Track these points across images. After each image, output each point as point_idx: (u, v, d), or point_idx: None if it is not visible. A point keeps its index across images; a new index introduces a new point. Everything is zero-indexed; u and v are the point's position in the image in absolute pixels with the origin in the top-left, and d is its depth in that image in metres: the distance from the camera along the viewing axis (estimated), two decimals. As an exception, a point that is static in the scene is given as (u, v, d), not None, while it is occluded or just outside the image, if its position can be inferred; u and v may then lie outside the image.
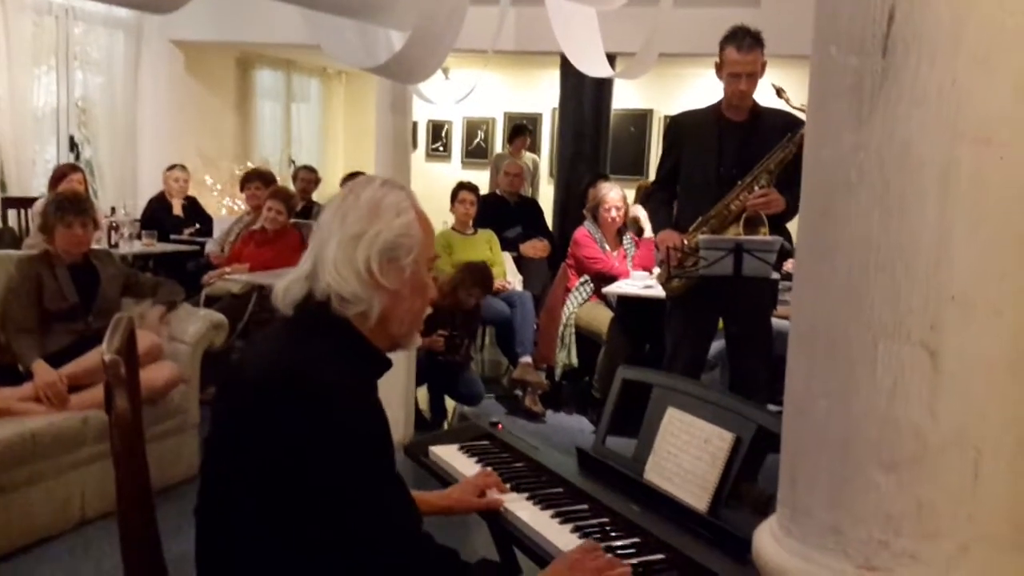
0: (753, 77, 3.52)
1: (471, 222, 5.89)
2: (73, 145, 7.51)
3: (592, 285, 5.35)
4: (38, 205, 5.55)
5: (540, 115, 10.29)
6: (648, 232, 5.58)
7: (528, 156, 8.74)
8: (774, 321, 3.95)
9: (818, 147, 0.99)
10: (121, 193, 7.74)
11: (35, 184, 6.97)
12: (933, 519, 0.93)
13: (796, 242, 1.04)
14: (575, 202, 6.80)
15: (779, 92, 3.47)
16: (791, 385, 1.03)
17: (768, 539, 1.03)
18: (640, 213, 5.53)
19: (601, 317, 5.16)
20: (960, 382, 0.92)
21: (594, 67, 4.74)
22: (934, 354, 0.92)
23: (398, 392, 4.28)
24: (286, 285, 1.57)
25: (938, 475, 0.93)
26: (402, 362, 4.29)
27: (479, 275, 4.90)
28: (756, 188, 3.48)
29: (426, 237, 1.61)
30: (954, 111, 0.90)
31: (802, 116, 3.49)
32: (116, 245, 6.04)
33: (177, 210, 6.97)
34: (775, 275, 3.62)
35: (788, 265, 3.99)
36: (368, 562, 1.45)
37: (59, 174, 5.81)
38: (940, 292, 0.92)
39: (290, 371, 1.47)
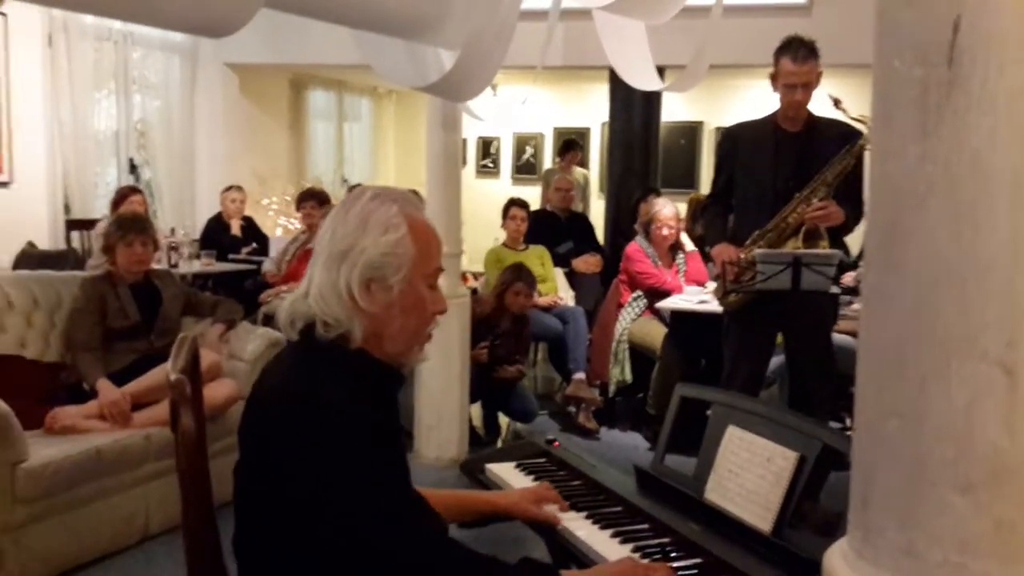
0: (808, 87, 3.48)
1: (522, 238, 5.90)
2: (133, 167, 7.70)
3: (645, 300, 5.31)
4: (100, 226, 5.71)
5: (589, 129, 10.29)
6: (689, 247, 5.53)
7: (579, 171, 8.74)
8: (836, 336, 3.88)
9: (884, 160, 0.97)
10: (179, 214, 7.92)
11: (97, 206, 7.16)
12: (1012, 540, 0.90)
13: (864, 257, 1.02)
14: (626, 216, 6.78)
15: (836, 103, 3.42)
16: (861, 403, 1.00)
17: (840, 562, 1.00)
18: (682, 237, 5.49)
19: (654, 333, 5.12)
20: (1039, 400, 0.89)
21: (644, 80, 4.72)
22: (1011, 372, 0.89)
23: (452, 409, 4.29)
24: (288, 308, 1.53)
25: (1017, 495, 0.90)
26: (456, 379, 4.31)
27: (519, 272, 4.91)
28: (814, 201, 3.43)
29: (423, 252, 1.51)
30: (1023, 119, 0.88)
31: (859, 126, 3.44)
32: (176, 265, 6.18)
33: (235, 230, 7.10)
34: (835, 289, 3.55)
35: (847, 279, 3.91)
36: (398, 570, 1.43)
37: (120, 196, 5.96)
38: (1016, 307, 0.89)
39: (293, 396, 1.45)
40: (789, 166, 3.55)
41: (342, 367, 1.48)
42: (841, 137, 3.49)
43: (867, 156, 3.55)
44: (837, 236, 3.57)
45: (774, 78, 3.56)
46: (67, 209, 7.03)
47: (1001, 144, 0.89)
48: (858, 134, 3.45)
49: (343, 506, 1.39)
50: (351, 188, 7.98)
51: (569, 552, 1.83)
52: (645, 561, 1.67)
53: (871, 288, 0.99)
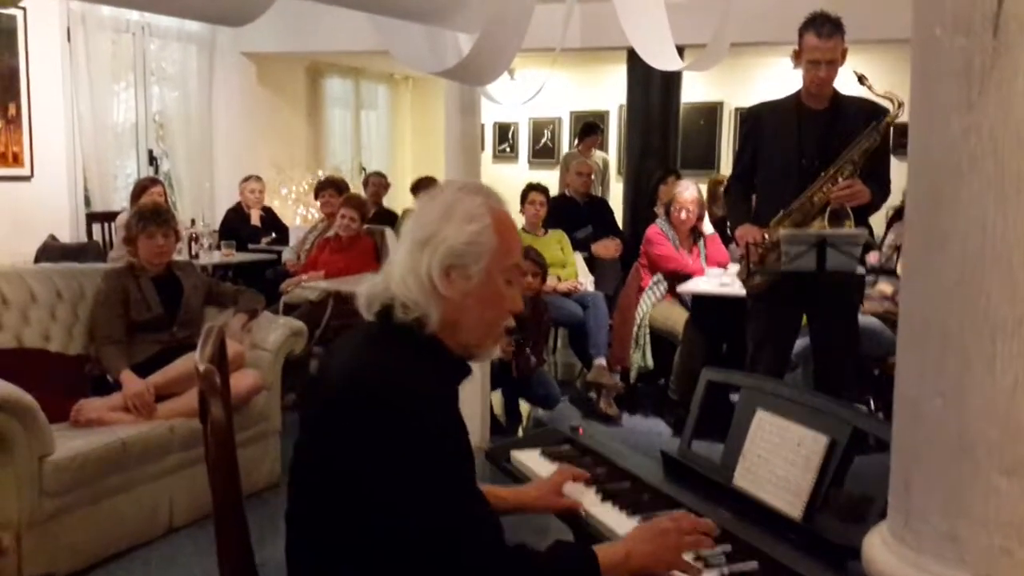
0: (833, 64, 3.41)
1: (541, 223, 5.87)
2: (152, 159, 7.72)
3: (666, 284, 5.27)
4: (121, 218, 5.74)
5: (607, 112, 10.23)
6: (709, 230, 5.48)
7: (598, 155, 8.68)
8: (860, 318, 3.83)
9: (925, 133, 0.94)
10: (199, 204, 7.95)
11: (117, 198, 7.20)
12: (1061, 525, 0.88)
13: (906, 233, 0.99)
14: (645, 199, 6.73)
15: (861, 79, 3.37)
16: (902, 383, 0.98)
17: (880, 547, 0.98)
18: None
19: (676, 317, 5.07)
20: (1087, 379, 0.86)
21: (664, 60, 4.67)
22: (1058, 350, 0.86)
23: (473, 397, 4.28)
24: (368, 290, 1.57)
25: (1066, 479, 0.87)
26: (477, 367, 4.28)
27: (525, 253, 4.83)
28: (840, 179, 3.38)
29: (503, 244, 1.54)
30: (1074, 88, 0.84)
31: (884, 103, 3.38)
32: (196, 256, 6.20)
33: (255, 220, 7.11)
34: (860, 270, 3.50)
35: (872, 258, 3.86)
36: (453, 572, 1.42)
37: (140, 188, 5.98)
38: (1063, 283, 0.86)
39: (369, 379, 1.47)
40: (813, 144, 3.49)
41: (415, 350, 1.50)
42: (867, 114, 3.43)
43: (891, 133, 3.50)
44: (862, 215, 3.51)
45: (797, 55, 3.50)
46: (88, 202, 7.07)
47: (1048, 114, 0.86)
48: (884, 111, 3.39)
49: (409, 489, 1.40)
50: (368, 175, 7.99)
51: (597, 541, 1.81)
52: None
53: (912, 265, 0.97)
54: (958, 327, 0.91)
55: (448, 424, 1.46)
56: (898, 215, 5.18)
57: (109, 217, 6.59)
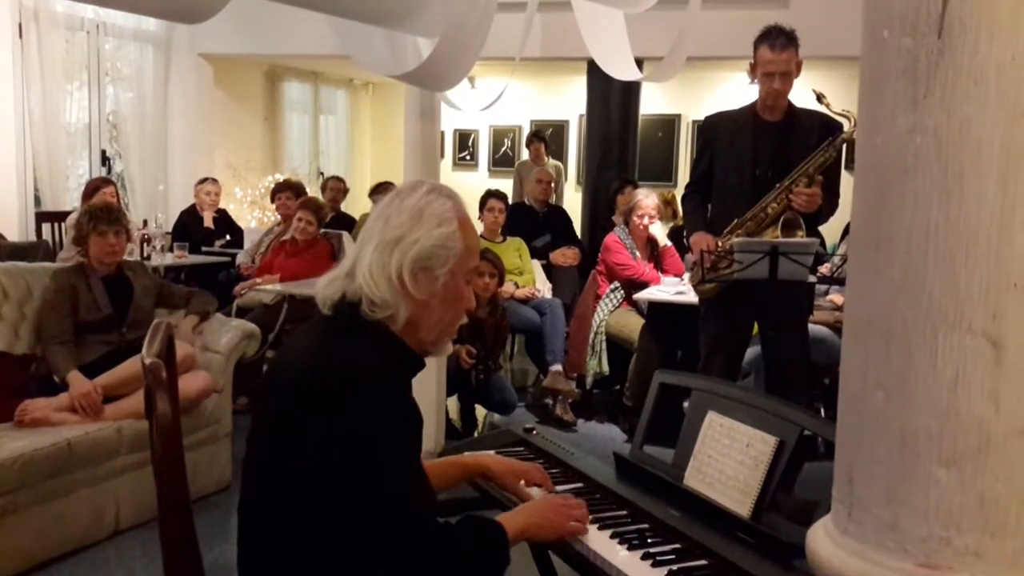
0: (788, 76, 3.48)
1: (500, 230, 5.88)
2: (105, 159, 7.60)
3: (623, 292, 5.31)
4: (71, 218, 5.63)
5: (567, 122, 10.28)
6: (664, 242, 5.52)
7: (551, 163, 8.72)
8: (811, 327, 3.89)
9: (872, 133, 0.96)
10: (152, 206, 7.84)
11: (68, 198, 7.06)
12: (997, 515, 0.90)
13: (852, 231, 1.01)
14: (603, 209, 6.77)
15: (819, 97, 3.44)
16: (847, 378, 0.99)
17: (823, 538, 0.99)
18: (655, 230, 5.46)
19: (632, 324, 5.11)
20: (1024, 372, 0.88)
21: (622, 70, 4.72)
22: (996, 344, 0.88)
23: (429, 402, 4.26)
24: (326, 283, 1.60)
25: (1002, 469, 0.89)
26: (433, 372, 4.28)
27: (489, 255, 4.84)
28: (794, 191, 3.44)
29: (467, 248, 1.59)
30: (1015, 89, 0.87)
31: (841, 120, 3.45)
32: (148, 257, 6.09)
33: (208, 222, 7.02)
34: (812, 279, 3.56)
35: (824, 268, 3.93)
36: (390, 548, 1.47)
37: (91, 188, 5.88)
38: (1002, 280, 0.88)
39: (329, 365, 1.50)
40: (768, 155, 3.55)
41: (377, 345, 1.54)
42: (822, 128, 3.50)
43: (844, 148, 3.57)
44: (812, 226, 3.58)
45: (753, 67, 3.56)
46: (37, 201, 6.93)
47: (991, 114, 0.88)
48: (839, 126, 3.46)
49: (363, 468, 1.44)
50: (327, 180, 7.94)
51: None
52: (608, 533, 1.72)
53: (858, 262, 0.98)
54: (901, 323, 0.93)
55: (405, 407, 1.50)
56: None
57: (59, 217, 6.46)
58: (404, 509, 1.48)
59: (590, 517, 1.79)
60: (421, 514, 1.52)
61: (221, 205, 7.33)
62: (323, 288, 1.60)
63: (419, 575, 1.51)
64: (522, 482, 1.92)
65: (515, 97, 9.87)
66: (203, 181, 7.11)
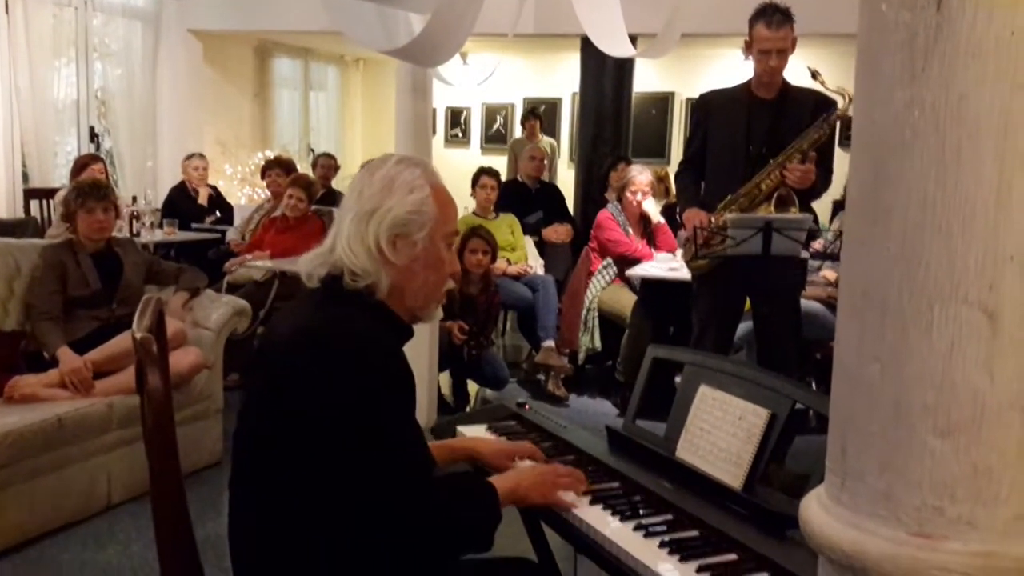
0: (783, 54, 3.47)
1: (492, 207, 5.86)
2: (93, 136, 7.54)
3: (615, 268, 5.31)
4: (60, 195, 5.58)
5: (560, 99, 10.25)
6: (657, 218, 5.52)
7: (545, 140, 8.71)
8: (803, 303, 3.90)
9: (869, 107, 0.96)
10: (141, 183, 7.78)
11: (56, 175, 7.02)
12: (990, 485, 0.90)
13: (848, 205, 1.01)
14: (596, 186, 6.77)
15: (814, 74, 3.43)
16: (841, 351, 1.00)
17: (817, 508, 1.00)
18: (648, 207, 5.45)
19: (624, 300, 5.13)
20: (1019, 343, 0.89)
21: (616, 47, 4.69)
22: (992, 315, 0.89)
23: (421, 377, 4.27)
24: (310, 259, 1.63)
25: (996, 439, 0.90)
26: (425, 347, 4.29)
27: (474, 230, 4.84)
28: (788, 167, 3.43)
29: (442, 213, 1.64)
30: (1013, 63, 0.87)
31: (836, 97, 3.44)
32: (138, 234, 6.06)
33: (202, 199, 6.98)
34: (804, 254, 3.57)
35: (816, 245, 3.94)
36: (386, 508, 1.50)
37: (80, 164, 5.84)
38: (998, 252, 0.89)
39: (320, 331, 1.53)
40: (762, 133, 3.55)
41: (366, 312, 1.58)
42: (816, 106, 3.50)
43: (839, 126, 3.56)
44: (805, 202, 3.58)
45: (748, 45, 3.55)
46: (25, 178, 6.88)
47: (988, 89, 0.88)
48: (831, 103, 3.46)
49: (360, 427, 1.47)
50: (317, 157, 7.90)
51: (540, 513, 1.83)
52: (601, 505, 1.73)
53: (854, 235, 0.99)
54: (897, 295, 0.93)
55: (397, 368, 1.53)
56: (844, 203, 5.28)
57: (48, 194, 6.42)
58: (401, 464, 1.51)
59: (582, 488, 1.80)
60: (418, 465, 1.55)
61: (211, 182, 7.29)
62: (307, 263, 1.63)
63: (414, 530, 1.52)
64: (515, 459, 1.92)
65: (508, 74, 9.83)
66: (190, 157, 7.06)
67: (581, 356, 5.34)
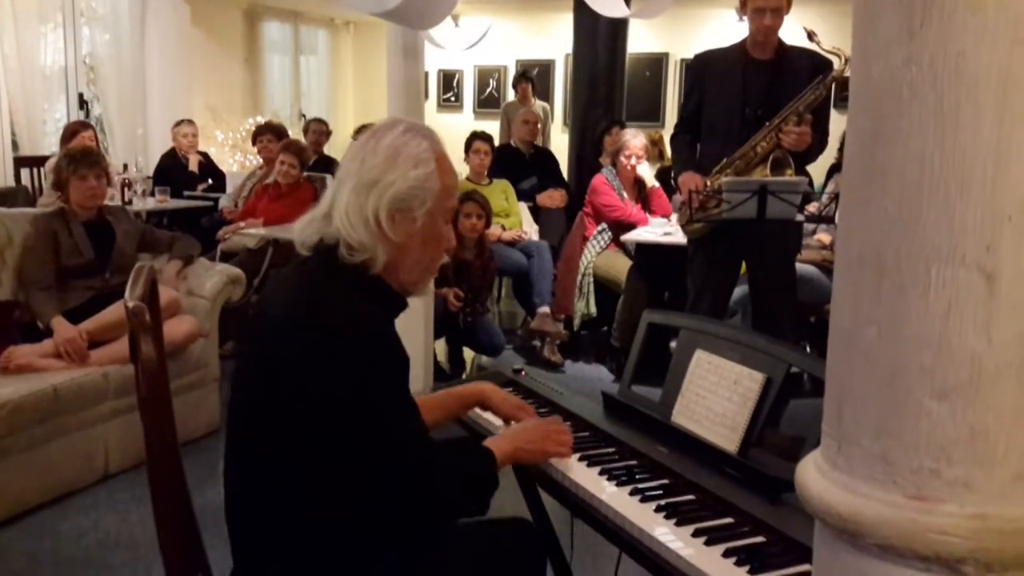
0: (778, 12, 3.43)
1: (486, 172, 5.83)
2: (83, 103, 7.46)
3: (610, 233, 5.29)
4: (50, 163, 5.54)
5: (553, 61, 10.15)
6: (651, 182, 5.49)
7: (538, 104, 8.64)
8: (798, 266, 3.90)
9: (867, 65, 0.94)
10: (131, 149, 7.73)
11: (46, 143, 6.96)
12: (987, 447, 0.90)
13: (845, 166, 1.00)
14: (590, 150, 6.71)
15: (811, 35, 3.39)
16: (837, 313, 0.99)
17: (813, 472, 1.00)
18: (642, 171, 5.42)
19: (619, 265, 5.11)
20: (1017, 305, 0.88)
21: (609, 7, 4.64)
22: (990, 276, 0.88)
23: (417, 345, 4.26)
24: (303, 226, 1.59)
25: (993, 401, 0.89)
26: (420, 315, 4.28)
27: (468, 195, 4.80)
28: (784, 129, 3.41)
29: (445, 188, 1.58)
30: (1012, 19, 0.85)
31: (832, 58, 3.41)
32: (130, 202, 6.03)
33: (193, 166, 6.93)
34: (800, 217, 3.56)
35: (811, 208, 3.92)
36: (384, 480, 1.49)
37: (70, 132, 5.78)
38: (996, 212, 0.88)
39: (309, 305, 1.49)
40: (758, 94, 3.52)
41: (360, 288, 1.53)
42: (811, 66, 3.46)
43: (834, 87, 3.53)
44: (800, 164, 3.56)
45: (743, 4, 3.50)
46: (15, 146, 6.81)
47: (988, 46, 0.86)
48: (828, 63, 3.43)
49: (357, 397, 1.44)
50: (309, 122, 7.83)
51: (537, 476, 1.83)
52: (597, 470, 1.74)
53: (850, 196, 0.97)
54: (894, 256, 0.92)
55: (390, 341, 1.50)
56: (838, 166, 5.26)
57: (38, 162, 6.37)
58: (397, 433, 1.49)
59: (578, 455, 1.81)
60: (414, 437, 1.53)
61: (202, 148, 7.23)
62: (301, 230, 1.58)
63: (411, 500, 1.52)
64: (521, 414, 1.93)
65: (500, 36, 9.72)
66: (180, 123, 7.00)
67: (576, 322, 5.34)
